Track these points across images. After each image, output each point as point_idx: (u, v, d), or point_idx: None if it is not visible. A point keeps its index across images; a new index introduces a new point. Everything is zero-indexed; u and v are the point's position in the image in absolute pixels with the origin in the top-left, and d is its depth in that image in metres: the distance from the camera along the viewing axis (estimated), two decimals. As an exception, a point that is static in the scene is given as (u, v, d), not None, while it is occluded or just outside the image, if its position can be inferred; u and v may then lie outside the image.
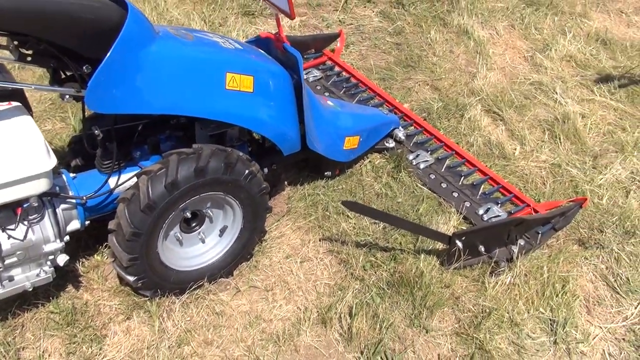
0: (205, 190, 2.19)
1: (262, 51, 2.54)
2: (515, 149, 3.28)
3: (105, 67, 1.86)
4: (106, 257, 2.49)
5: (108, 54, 1.86)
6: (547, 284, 2.53)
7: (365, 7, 4.65)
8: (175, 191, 2.09)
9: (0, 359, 2.13)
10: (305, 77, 3.55)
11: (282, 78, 2.41)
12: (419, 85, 3.74)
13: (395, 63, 3.95)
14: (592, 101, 3.67)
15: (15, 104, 2.02)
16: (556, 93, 3.68)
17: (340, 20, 4.45)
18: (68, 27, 1.82)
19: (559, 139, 3.35)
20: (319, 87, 3.57)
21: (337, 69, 3.74)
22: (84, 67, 1.92)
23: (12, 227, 1.97)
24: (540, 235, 2.71)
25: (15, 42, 1.83)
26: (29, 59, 1.90)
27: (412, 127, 3.31)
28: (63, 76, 2.04)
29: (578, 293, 2.56)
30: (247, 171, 2.24)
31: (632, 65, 4.09)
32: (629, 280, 2.63)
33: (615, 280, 2.63)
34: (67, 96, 1.99)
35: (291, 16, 2.34)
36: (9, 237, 1.98)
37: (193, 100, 2.13)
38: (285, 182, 2.93)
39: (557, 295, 2.50)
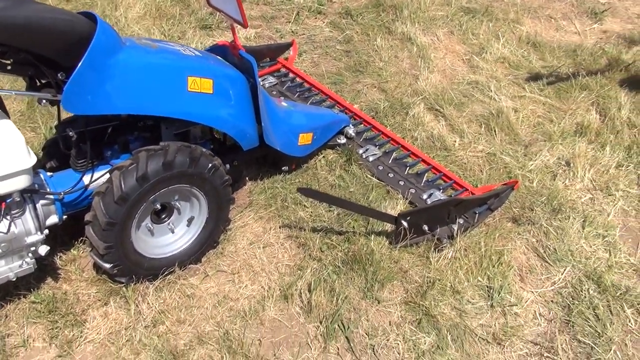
0: (172, 183, 2.42)
1: (220, 58, 2.80)
2: (455, 141, 3.60)
3: (79, 73, 2.09)
4: (82, 251, 2.69)
5: (80, 62, 2.09)
6: (484, 257, 2.83)
7: (316, 18, 4.96)
8: (145, 184, 2.32)
9: (-13, 345, 2.32)
10: (261, 83, 3.84)
11: (239, 81, 2.67)
12: (367, 88, 4.05)
13: (345, 69, 4.25)
14: (523, 97, 4.03)
15: (-8, 107, 2.24)
16: (491, 91, 4.03)
17: (293, 31, 4.74)
18: (46, 39, 2.05)
19: (494, 131, 3.69)
20: (274, 92, 3.84)
21: (290, 75, 4.02)
22: (59, 74, 2.15)
23: (-3, 219, 2.18)
24: (477, 214, 3.01)
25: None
26: (8, 67, 2.12)
27: (362, 125, 3.60)
28: (38, 83, 2.27)
29: (512, 264, 2.86)
30: (210, 165, 2.49)
31: (559, 64, 4.49)
32: (556, 250, 2.94)
33: (544, 252, 2.95)
34: (44, 100, 2.21)
35: (244, 25, 2.61)
36: (-7, 229, 2.18)
37: (158, 101, 2.37)
38: (247, 177, 3.18)
39: (493, 266, 2.80)
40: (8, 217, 2.20)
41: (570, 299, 2.71)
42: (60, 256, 2.67)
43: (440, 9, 5.08)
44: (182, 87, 2.43)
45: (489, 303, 2.67)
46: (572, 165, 3.45)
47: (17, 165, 2.10)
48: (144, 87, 2.32)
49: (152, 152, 2.35)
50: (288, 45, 4.22)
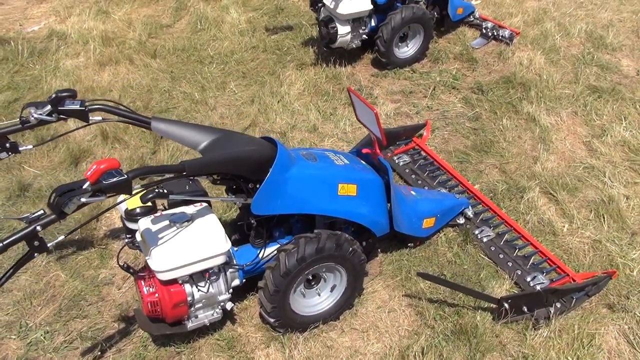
0: (322, 262, 3.23)
1: (362, 162, 3.59)
2: (564, 226, 4.07)
3: (265, 186, 2.97)
4: (251, 302, 3.58)
5: (265, 179, 2.96)
6: (576, 339, 3.32)
7: (450, 93, 5.60)
8: (302, 263, 3.14)
9: (187, 369, 3.26)
10: (396, 162, 4.58)
11: (376, 183, 3.44)
12: (489, 168, 4.63)
13: (472, 147, 4.85)
14: (637, 184, 4.38)
15: (204, 204, 3.19)
16: (605, 177, 4.43)
17: (428, 107, 5.42)
18: (244, 165, 2.95)
19: (603, 218, 4.11)
20: (407, 170, 4.56)
21: (422, 154, 4.71)
22: (249, 185, 3.05)
23: (202, 284, 3.11)
24: (574, 299, 3.50)
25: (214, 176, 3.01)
26: (217, 181, 3.07)
27: (480, 206, 4.20)
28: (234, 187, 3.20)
29: (602, 347, 3.33)
30: (351, 249, 3.27)
31: (682, 149, 4.74)
32: (645, 339, 3.36)
33: (634, 339, 3.37)
34: (237, 203, 3.13)
35: (382, 142, 3.37)
36: (198, 289, 3.11)
37: (317, 203, 3.20)
38: (379, 250, 3.91)
39: (584, 348, 3.29)
40: (209, 282, 3.13)
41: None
42: (237, 304, 3.58)
43: (568, 87, 5.47)
44: (334, 192, 3.24)
45: (575, 381, 3.18)
46: (674, 257, 3.80)
47: (220, 249, 3.02)
48: (308, 193, 3.16)
49: (309, 239, 3.17)
50: (422, 126, 4.92)
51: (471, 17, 6.47)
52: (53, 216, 2.36)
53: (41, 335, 3.50)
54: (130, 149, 4.87)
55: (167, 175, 2.78)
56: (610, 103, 5.25)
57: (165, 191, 2.86)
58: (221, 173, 2.98)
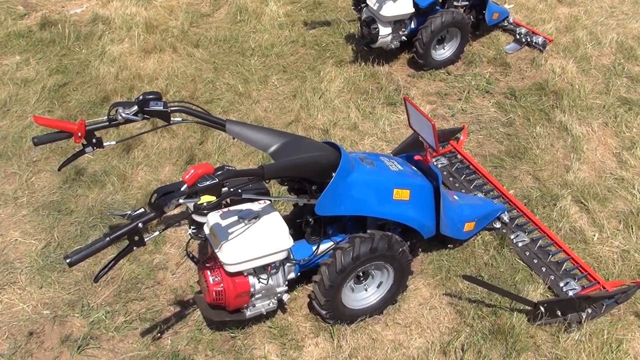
0: (374, 260, 3.46)
1: (413, 167, 3.80)
2: (595, 235, 4.30)
3: (329, 189, 3.19)
4: (300, 292, 3.82)
5: (330, 182, 3.18)
6: (605, 343, 3.56)
7: (484, 97, 5.78)
8: (357, 261, 3.37)
9: (243, 354, 3.51)
10: (435, 164, 4.79)
11: (426, 188, 3.65)
12: (523, 174, 4.83)
13: (506, 153, 5.05)
14: (665, 197, 4.61)
15: (267, 202, 3.41)
16: (635, 189, 4.64)
17: (462, 109, 5.61)
18: (310, 169, 3.17)
19: (632, 229, 4.33)
20: (445, 173, 4.77)
21: (459, 157, 4.92)
22: (313, 187, 3.27)
23: (264, 276, 3.34)
24: (604, 306, 3.73)
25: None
26: (285, 183, 3.29)
27: (515, 211, 4.42)
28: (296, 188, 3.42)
29: (629, 352, 3.57)
30: (400, 249, 3.50)
31: None
32: (670, 346, 3.60)
33: (659, 345, 3.62)
34: (300, 203, 3.35)
35: (436, 150, 3.58)
36: (259, 281, 3.34)
37: (374, 206, 3.42)
38: (420, 250, 4.14)
39: (612, 352, 3.53)
40: (269, 274, 3.36)
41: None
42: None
43: (599, 97, 5.66)
44: (390, 196, 3.46)
45: (604, 382, 3.42)
46: (699, 270, 4.02)
47: (283, 246, 3.25)
48: (366, 197, 3.38)
49: (363, 238, 3.40)
50: (459, 130, 5.12)
51: (505, 21, 6.62)
52: (153, 214, 2.58)
53: (103, 314, 3.75)
54: (178, 139, 5.08)
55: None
56: (640, 116, 5.44)
57: (240, 190, 3.08)
58: (292, 176, 3.20)
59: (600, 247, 4.21)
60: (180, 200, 2.55)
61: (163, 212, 2.56)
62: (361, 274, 3.60)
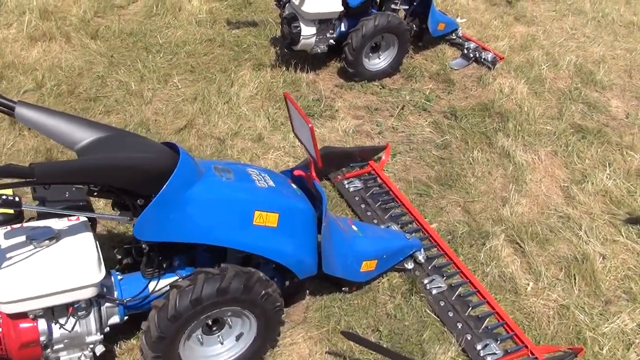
0: (224, 306, 2.56)
1: (294, 186, 2.94)
2: (529, 284, 3.47)
3: (153, 205, 2.31)
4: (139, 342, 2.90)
5: (156, 196, 2.31)
6: None
7: (419, 115, 4.99)
8: (198, 306, 2.47)
9: None
10: (346, 186, 3.95)
11: (306, 213, 2.79)
12: (452, 205, 4.01)
13: (435, 179, 4.23)
14: (616, 242, 3.79)
15: (82, 219, 2.51)
16: (581, 230, 3.84)
17: (393, 127, 4.80)
18: (128, 176, 2.29)
19: (574, 279, 3.52)
20: (357, 198, 3.93)
21: (378, 180, 4.09)
22: (138, 201, 2.38)
23: (64, 320, 2.42)
24: (530, 378, 2.90)
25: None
26: (95, 193, 2.38)
27: (435, 250, 3.58)
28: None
29: None
30: (263, 292, 2.61)
31: (670, 208, 4.18)
32: None
33: None
34: (120, 222, 2.46)
35: (318, 165, 2.73)
36: (60, 327, 2.42)
37: (225, 233, 2.55)
38: (307, 291, 3.27)
39: None
40: (74, 318, 2.45)
41: None
42: (120, 344, 2.90)
43: (550, 122, 4.91)
44: (248, 220, 2.59)
45: None
46: (653, 336, 3.21)
47: (87, 280, 2.34)
48: (212, 219, 2.51)
49: (210, 275, 2.51)
50: (382, 148, 4.30)
51: (453, 35, 5.89)
52: None
53: None
54: None
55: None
56: (595, 146, 4.68)
57: (17, 199, 2.19)
58: (93, 183, 2.31)
59: (533, 300, 3.38)
60: None
61: None
62: (210, 322, 2.70)
